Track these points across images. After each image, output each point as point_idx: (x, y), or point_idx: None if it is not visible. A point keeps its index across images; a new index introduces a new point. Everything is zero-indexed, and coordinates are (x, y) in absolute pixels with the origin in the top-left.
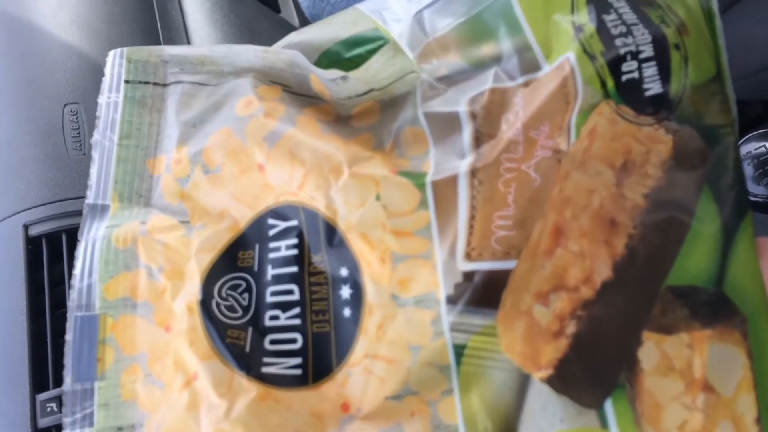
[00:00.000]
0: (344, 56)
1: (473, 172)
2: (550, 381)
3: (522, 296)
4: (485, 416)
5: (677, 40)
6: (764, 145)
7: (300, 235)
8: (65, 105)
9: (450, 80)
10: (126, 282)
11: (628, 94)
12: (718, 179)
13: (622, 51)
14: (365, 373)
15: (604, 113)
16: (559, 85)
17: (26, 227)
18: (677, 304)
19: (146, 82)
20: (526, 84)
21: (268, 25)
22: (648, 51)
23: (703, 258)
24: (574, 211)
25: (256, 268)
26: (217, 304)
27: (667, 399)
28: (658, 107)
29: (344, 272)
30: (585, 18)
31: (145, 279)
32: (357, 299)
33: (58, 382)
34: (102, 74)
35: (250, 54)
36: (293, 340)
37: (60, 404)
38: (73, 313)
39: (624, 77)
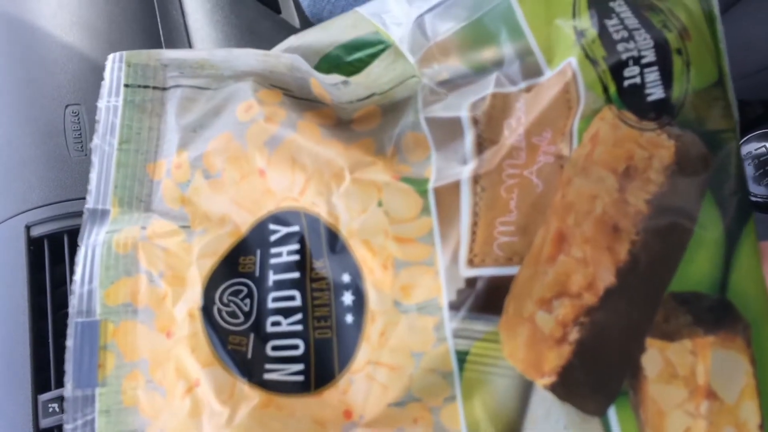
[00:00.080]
0: (345, 60)
1: (476, 179)
2: (554, 388)
3: (525, 302)
4: (488, 423)
5: (679, 45)
6: (764, 146)
7: (302, 241)
8: (67, 106)
9: (451, 85)
10: (127, 287)
11: (630, 99)
12: (720, 185)
13: (624, 56)
14: (368, 380)
15: (607, 118)
16: (561, 91)
17: (28, 228)
18: (680, 311)
19: (146, 86)
20: (528, 89)
21: (268, 25)
22: (650, 56)
23: (706, 264)
24: (576, 218)
25: (257, 274)
26: (219, 311)
27: (671, 406)
28: (660, 112)
29: (346, 278)
30: (587, 23)
31: (146, 284)
32: (359, 306)
33: (60, 382)
34: (103, 75)
35: (251, 58)
36: (295, 347)
37: (62, 405)
38: (73, 319)
39: (626, 82)
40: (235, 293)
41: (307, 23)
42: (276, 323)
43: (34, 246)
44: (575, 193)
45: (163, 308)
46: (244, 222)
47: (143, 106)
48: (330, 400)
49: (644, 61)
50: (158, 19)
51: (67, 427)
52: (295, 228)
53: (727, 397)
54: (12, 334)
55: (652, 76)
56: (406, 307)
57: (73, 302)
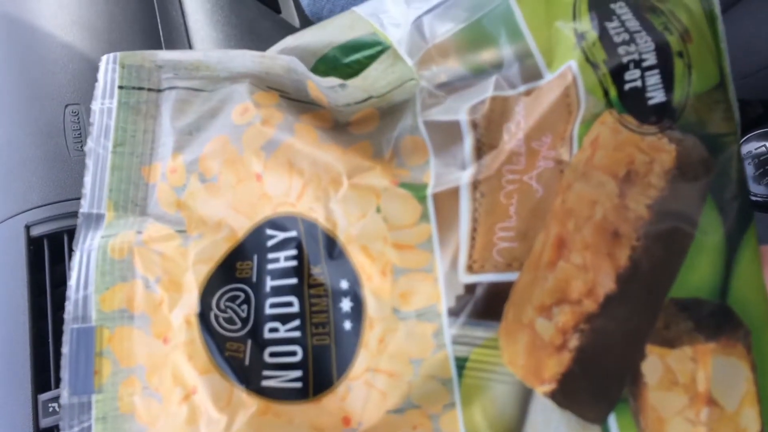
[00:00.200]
0: (342, 62)
1: (475, 185)
2: (553, 395)
3: (524, 309)
4: (488, 430)
5: (680, 48)
6: (765, 145)
7: (299, 247)
8: (66, 105)
9: (450, 87)
10: (122, 293)
11: (631, 102)
12: (721, 189)
13: (624, 59)
14: (366, 387)
15: (607, 123)
16: (562, 95)
17: (28, 228)
18: (681, 317)
19: (140, 88)
20: (527, 93)
21: (268, 25)
22: (651, 59)
23: (707, 270)
24: (576, 223)
25: (254, 279)
26: (216, 317)
27: (671, 413)
28: (661, 116)
29: (344, 285)
30: (587, 25)
31: (142, 290)
32: (357, 312)
33: (60, 382)
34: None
35: (247, 59)
36: (293, 353)
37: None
38: (69, 326)
39: (627, 86)
40: (232, 299)
41: (307, 23)
42: (274, 329)
43: (34, 246)
44: (575, 199)
45: (159, 314)
46: (241, 227)
47: (138, 108)
48: (328, 407)
49: (645, 64)
50: (158, 19)
51: None
52: (293, 233)
53: (727, 404)
54: (12, 334)
55: (653, 79)
56: (405, 314)
57: (69, 308)
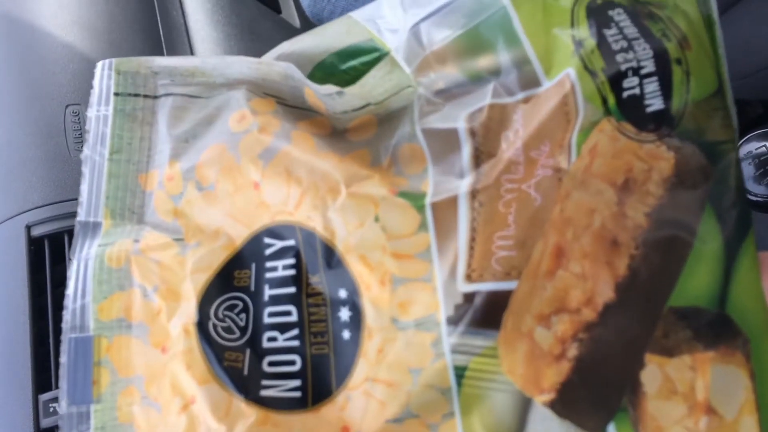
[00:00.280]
0: (339, 68)
1: (473, 194)
2: (553, 405)
3: (523, 318)
4: None
5: (679, 55)
6: (765, 145)
7: (297, 256)
8: (67, 106)
9: (448, 94)
10: (120, 302)
11: (630, 110)
12: (720, 197)
13: (623, 67)
14: (365, 397)
15: (605, 130)
16: (560, 103)
17: (28, 228)
18: (680, 326)
19: (136, 95)
20: (525, 100)
21: (268, 25)
22: (649, 66)
23: (706, 278)
24: (575, 232)
25: (252, 288)
26: (214, 326)
27: (670, 422)
28: (660, 123)
29: (343, 294)
30: (585, 32)
31: (140, 299)
32: (356, 322)
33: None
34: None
35: (243, 65)
36: (292, 362)
37: None
38: (67, 335)
39: (625, 93)
40: (231, 308)
41: (307, 23)
42: (272, 339)
43: (35, 246)
44: (574, 207)
45: (157, 323)
46: (239, 235)
47: (134, 115)
48: (327, 416)
49: (643, 71)
50: (158, 19)
51: None
52: (291, 242)
53: (726, 413)
54: (12, 334)
55: (652, 86)
56: (404, 323)
57: (66, 318)
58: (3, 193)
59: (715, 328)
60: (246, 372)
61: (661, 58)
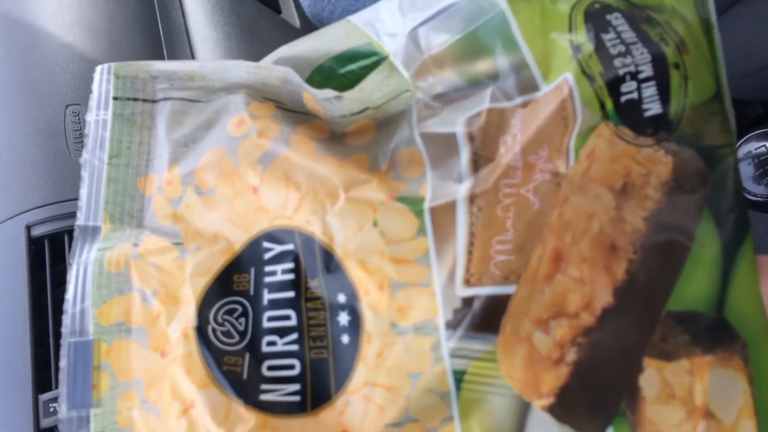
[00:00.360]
0: (337, 72)
1: (471, 198)
2: (551, 410)
3: (522, 322)
4: None
5: (677, 59)
6: (764, 145)
7: (296, 260)
8: (67, 106)
9: (446, 98)
10: (119, 306)
11: (628, 115)
12: (718, 201)
13: (621, 72)
14: (364, 401)
15: (603, 135)
16: (558, 108)
17: (28, 228)
18: (678, 330)
19: (135, 99)
20: (523, 104)
21: (269, 26)
22: (647, 71)
23: (704, 282)
24: (573, 236)
25: (252, 292)
26: (213, 330)
27: (668, 427)
28: (658, 128)
29: (342, 299)
30: (583, 37)
31: (139, 303)
32: (355, 326)
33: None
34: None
35: (242, 69)
36: (291, 366)
37: None
38: (66, 339)
39: (623, 98)
40: (230, 312)
41: (307, 23)
42: (271, 343)
43: (35, 246)
44: (572, 212)
45: (156, 327)
46: (238, 239)
47: (133, 120)
48: (326, 420)
49: (641, 76)
50: (158, 19)
51: None
52: (290, 246)
53: (724, 417)
54: (13, 334)
55: (650, 91)
56: (403, 328)
57: (66, 322)
58: (3, 193)
59: (713, 333)
60: (245, 376)
61: (659, 62)
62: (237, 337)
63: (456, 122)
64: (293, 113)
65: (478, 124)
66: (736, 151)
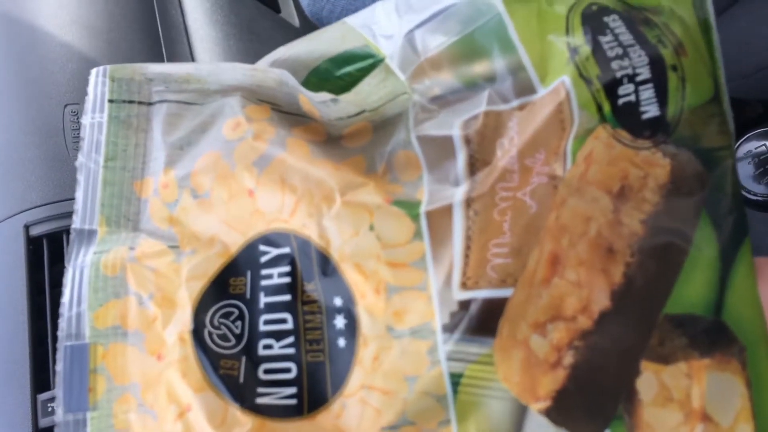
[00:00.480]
0: (334, 74)
1: (468, 202)
2: (548, 413)
3: (519, 325)
4: None
5: (674, 61)
6: (764, 144)
7: (292, 263)
8: (66, 105)
9: (442, 101)
10: (115, 310)
11: (625, 117)
12: (716, 204)
13: (618, 74)
14: (361, 404)
15: (601, 138)
16: (555, 111)
17: (27, 227)
18: (675, 333)
19: (131, 101)
20: (520, 107)
21: (268, 25)
22: (645, 73)
23: (702, 286)
24: (571, 239)
25: (248, 296)
26: (210, 334)
27: (666, 430)
28: (656, 130)
29: (338, 302)
30: (580, 39)
31: (135, 307)
32: (351, 330)
33: None
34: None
35: (238, 72)
36: (287, 370)
37: None
38: (63, 343)
39: (620, 101)
40: (226, 315)
41: (306, 23)
42: (268, 346)
43: (33, 245)
44: (569, 215)
45: (152, 331)
46: (234, 243)
47: (129, 122)
48: (323, 423)
49: (639, 78)
50: (157, 19)
51: None
52: (286, 250)
53: (722, 421)
54: (11, 334)
55: (647, 93)
56: (400, 332)
57: (62, 325)
58: (2, 193)
59: (710, 336)
60: (242, 380)
61: (656, 64)
62: (233, 341)
63: (453, 125)
64: (289, 115)
65: (474, 126)
66: (734, 153)
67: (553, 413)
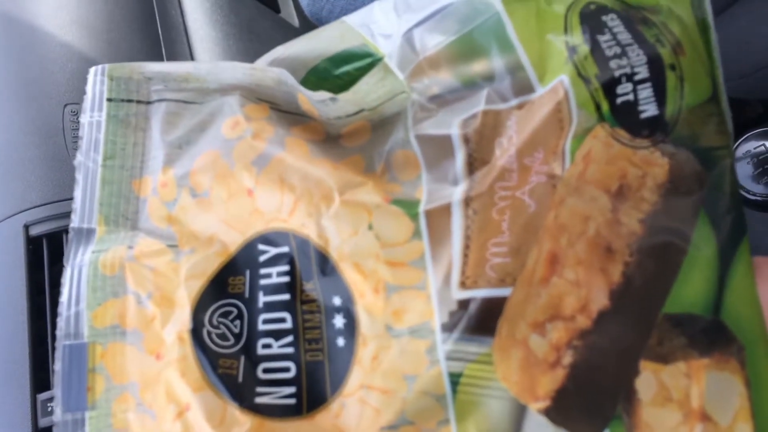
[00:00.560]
0: (332, 73)
1: (467, 201)
2: (548, 412)
3: (518, 325)
4: None
5: (673, 61)
6: (764, 144)
7: (291, 262)
8: (65, 105)
9: (441, 100)
10: (114, 309)
11: (623, 116)
12: (714, 203)
13: (616, 73)
14: (360, 404)
15: (599, 137)
16: (553, 110)
17: (27, 227)
18: (674, 333)
19: (129, 100)
20: (519, 106)
21: (267, 25)
22: (643, 72)
23: (700, 285)
24: (569, 238)
25: (247, 295)
26: (209, 333)
27: (665, 430)
28: (654, 129)
29: (337, 301)
30: (579, 39)
31: (134, 306)
32: (350, 329)
33: None
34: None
35: (237, 71)
36: (286, 369)
37: None
38: (61, 342)
39: (619, 100)
40: (225, 314)
41: (306, 22)
42: (267, 345)
43: (33, 245)
44: (568, 214)
45: (151, 330)
46: (233, 242)
47: (127, 121)
48: (322, 423)
49: (637, 77)
50: (157, 19)
51: None
52: (285, 249)
53: (721, 420)
54: (11, 334)
55: (645, 92)
56: (399, 331)
57: (61, 325)
58: (1, 193)
59: (709, 335)
60: (240, 379)
61: (654, 64)
62: (232, 340)
63: (451, 124)
64: (288, 114)
65: (473, 126)
66: (733, 152)
67: (552, 413)
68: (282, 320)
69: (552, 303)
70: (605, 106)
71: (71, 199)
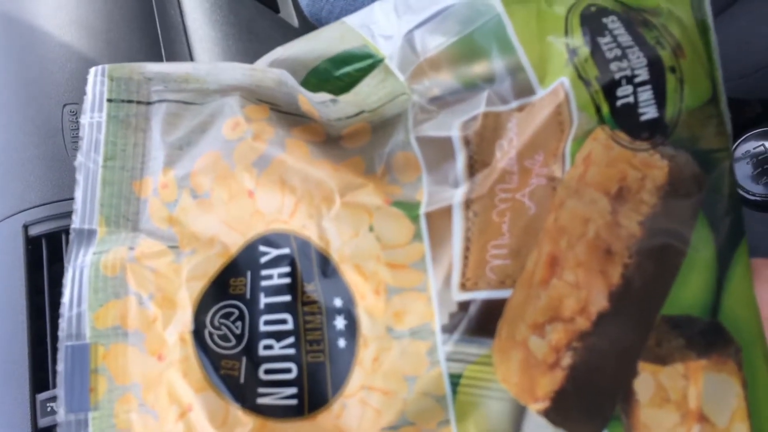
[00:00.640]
0: (333, 74)
1: (467, 203)
2: (547, 413)
3: (517, 326)
4: None
5: (673, 63)
6: (763, 144)
7: (292, 264)
8: (65, 105)
9: (442, 102)
10: (116, 310)
11: (623, 119)
12: (713, 206)
13: (617, 76)
14: (361, 405)
15: (599, 139)
16: (554, 112)
17: (26, 227)
18: (672, 334)
19: (129, 101)
20: (519, 108)
21: (267, 25)
22: (643, 75)
23: (699, 287)
24: (569, 241)
25: (248, 296)
26: (210, 334)
27: (663, 430)
28: (654, 132)
29: (338, 303)
30: (579, 41)
31: (135, 307)
32: (351, 330)
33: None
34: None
35: (237, 71)
36: (288, 370)
37: None
38: (63, 343)
39: (619, 102)
40: (227, 316)
41: (305, 23)
42: (268, 347)
43: (32, 245)
44: (568, 216)
45: (153, 331)
46: (234, 243)
47: (127, 122)
48: (323, 424)
49: (637, 80)
50: (156, 19)
51: None
52: (286, 250)
53: (718, 421)
54: (10, 334)
55: (646, 95)
56: (399, 333)
57: (62, 326)
58: (0, 193)
59: (707, 337)
60: (242, 380)
61: (655, 66)
62: (234, 341)
63: (452, 126)
64: (288, 115)
65: (474, 128)
66: (731, 154)
67: (551, 414)
68: (283, 321)
69: (551, 305)
70: (605, 109)
71: (70, 199)
